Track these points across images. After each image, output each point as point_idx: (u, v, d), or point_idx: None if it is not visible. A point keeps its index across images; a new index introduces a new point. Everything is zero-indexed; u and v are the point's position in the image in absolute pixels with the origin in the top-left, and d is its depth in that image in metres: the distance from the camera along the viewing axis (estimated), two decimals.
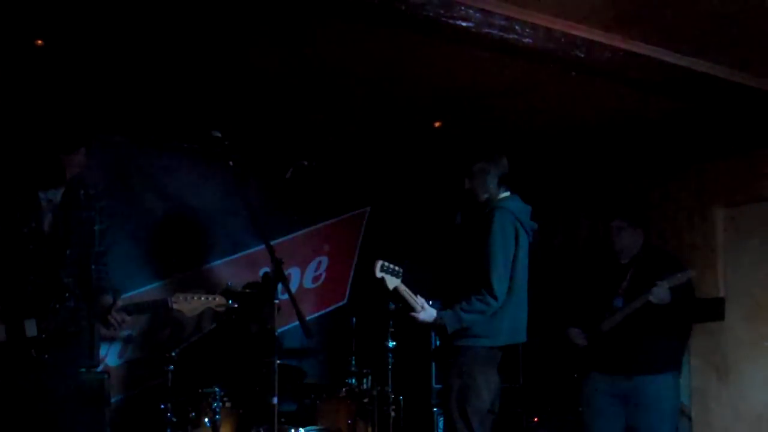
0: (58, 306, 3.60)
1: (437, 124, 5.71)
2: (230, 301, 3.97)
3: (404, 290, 4.20)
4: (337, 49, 4.43)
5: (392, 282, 4.16)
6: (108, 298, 3.80)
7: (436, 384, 6.08)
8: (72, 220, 3.69)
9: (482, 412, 4.20)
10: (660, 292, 4.81)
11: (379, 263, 4.13)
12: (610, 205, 5.64)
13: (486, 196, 4.37)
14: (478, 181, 4.38)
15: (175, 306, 3.73)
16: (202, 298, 3.79)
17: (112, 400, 5.09)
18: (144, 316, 5.53)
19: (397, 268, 4.18)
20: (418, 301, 4.23)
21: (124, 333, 5.45)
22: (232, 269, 6.06)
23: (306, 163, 6.30)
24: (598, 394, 5.11)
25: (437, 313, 4.21)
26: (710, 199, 5.88)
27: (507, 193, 4.40)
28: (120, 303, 3.73)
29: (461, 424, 4.15)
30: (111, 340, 5.54)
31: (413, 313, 4.22)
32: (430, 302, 4.30)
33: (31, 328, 3.51)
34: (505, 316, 4.24)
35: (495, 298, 4.15)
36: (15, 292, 3.54)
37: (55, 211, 3.65)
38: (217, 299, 3.83)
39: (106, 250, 3.86)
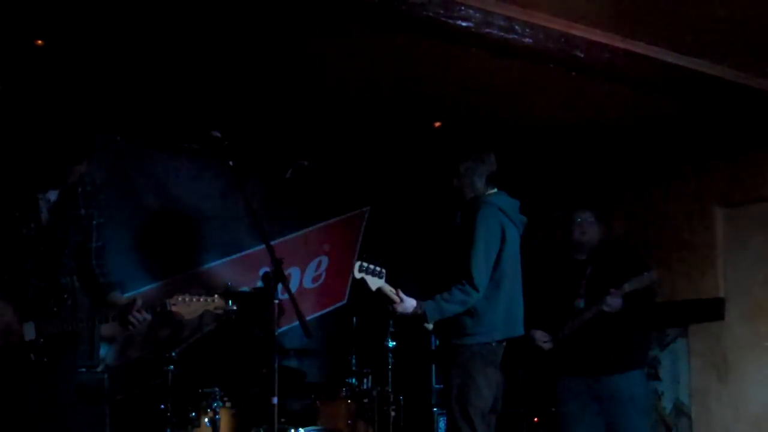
0: (56, 309, 3.58)
1: (437, 124, 5.71)
2: (230, 302, 3.94)
3: (388, 289, 4.16)
4: (337, 49, 4.43)
5: (375, 283, 4.12)
6: (118, 295, 3.77)
7: (436, 384, 6.08)
8: (70, 218, 3.67)
9: (484, 410, 4.18)
10: (613, 302, 4.81)
11: (358, 264, 4.09)
12: (573, 198, 5.59)
13: (472, 194, 4.37)
14: (465, 180, 4.38)
15: (173, 308, 3.69)
16: (201, 300, 3.75)
17: (112, 400, 5.09)
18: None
19: (378, 268, 4.13)
20: (398, 294, 4.18)
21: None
22: (232, 269, 6.06)
23: (306, 163, 6.30)
24: (572, 397, 5.08)
25: (417, 303, 4.18)
26: (710, 199, 5.88)
27: (494, 190, 4.39)
28: (140, 302, 3.68)
29: (464, 424, 4.13)
30: (111, 340, 5.54)
31: (393, 305, 4.17)
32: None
33: (29, 332, 3.49)
34: (498, 310, 4.23)
35: (475, 289, 4.14)
36: (14, 296, 3.53)
37: (51, 209, 3.63)
38: (216, 301, 3.80)
39: (104, 244, 3.84)
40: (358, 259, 4.13)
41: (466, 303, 4.16)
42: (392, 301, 4.17)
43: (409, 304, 4.18)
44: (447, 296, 4.17)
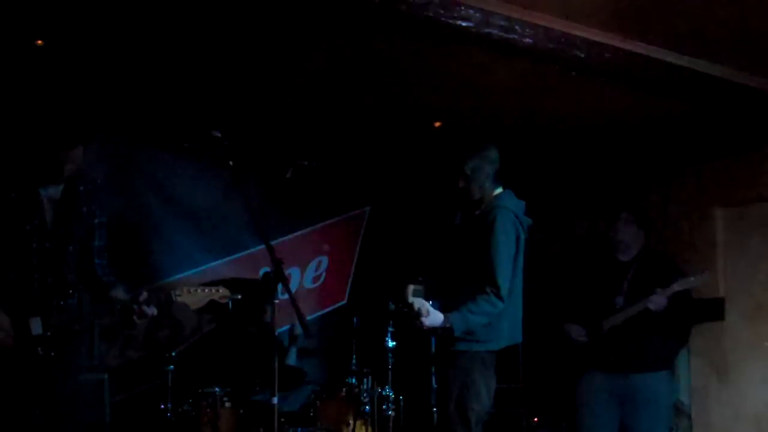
0: (62, 303, 3.61)
1: (437, 124, 5.71)
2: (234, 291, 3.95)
3: (425, 307, 4.06)
4: (337, 48, 4.43)
5: (418, 303, 4.03)
6: (121, 292, 3.79)
7: (435, 384, 6.07)
8: (73, 216, 3.71)
9: (481, 414, 4.17)
10: (658, 301, 4.89)
11: (411, 288, 4.04)
12: (614, 200, 5.66)
13: (480, 194, 4.31)
14: (474, 181, 4.27)
15: (179, 299, 3.70)
16: (206, 290, 3.77)
17: (112, 400, 5.09)
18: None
19: (420, 287, 4.09)
20: (425, 306, 4.06)
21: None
22: (232, 269, 6.06)
23: (306, 163, 6.31)
24: (595, 392, 5.15)
25: (444, 316, 4.06)
26: (710, 199, 5.88)
27: (500, 189, 4.35)
28: (145, 295, 3.68)
29: (462, 429, 4.12)
30: (111, 340, 5.54)
31: (421, 319, 4.03)
32: (430, 302, 4.23)
33: (36, 326, 3.52)
34: (505, 318, 4.18)
35: (501, 299, 4.06)
36: (20, 291, 3.55)
37: (55, 207, 3.67)
38: (220, 290, 3.81)
39: (105, 244, 3.86)
40: (411, 283, 4.07)
41: (491, 314, 4.07)
42: (419, 316, 4.04)
43: (437, 317, 4.05)
44: (473, 307, 4.05)
